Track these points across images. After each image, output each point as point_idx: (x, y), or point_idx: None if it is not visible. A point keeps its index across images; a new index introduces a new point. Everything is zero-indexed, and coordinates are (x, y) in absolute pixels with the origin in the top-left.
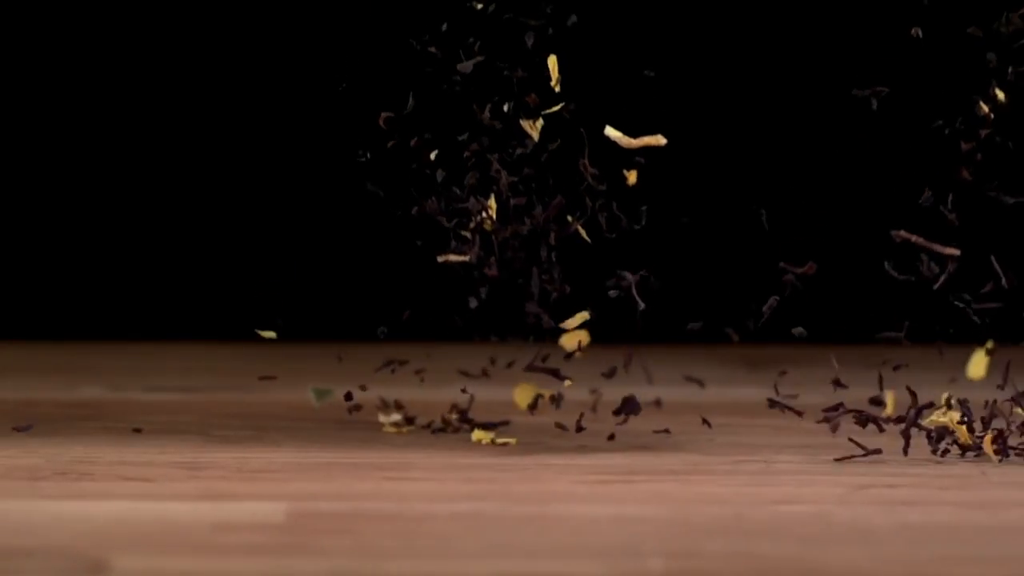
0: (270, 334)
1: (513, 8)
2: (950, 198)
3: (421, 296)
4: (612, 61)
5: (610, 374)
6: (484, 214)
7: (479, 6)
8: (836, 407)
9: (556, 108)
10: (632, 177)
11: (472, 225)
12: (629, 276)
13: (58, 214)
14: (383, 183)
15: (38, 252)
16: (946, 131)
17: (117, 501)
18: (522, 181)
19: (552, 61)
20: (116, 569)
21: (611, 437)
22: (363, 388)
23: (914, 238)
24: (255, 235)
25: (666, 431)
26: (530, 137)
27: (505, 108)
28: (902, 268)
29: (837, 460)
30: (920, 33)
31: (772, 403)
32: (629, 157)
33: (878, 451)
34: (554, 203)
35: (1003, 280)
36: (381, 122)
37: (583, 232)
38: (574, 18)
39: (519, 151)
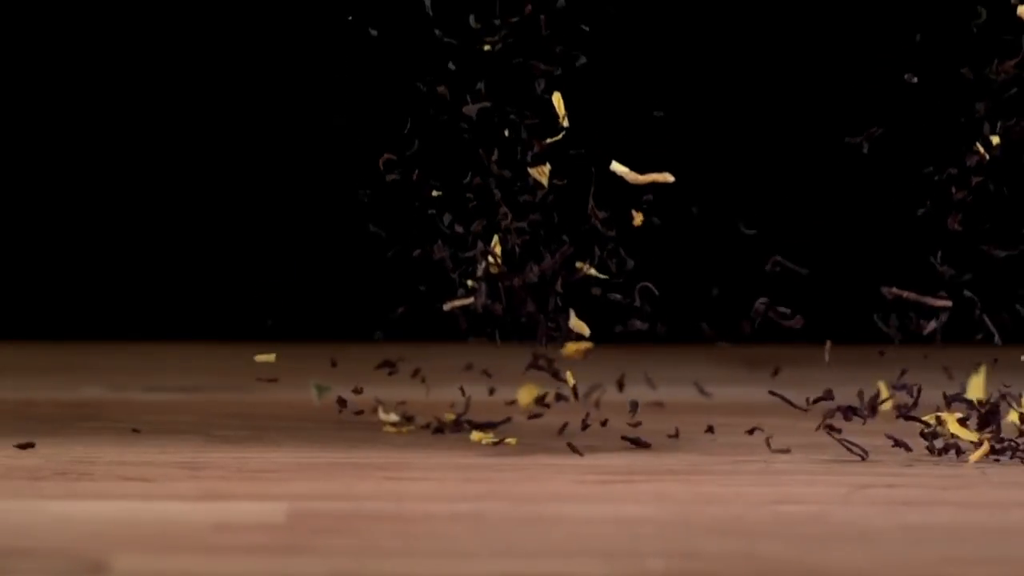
0: (269, 357)
1: (522, 50)
2: (939, 253)
3: (422, 296)
4: (621, 101)
5: (620, 385)
6: (490, 259)
7: (487, 48)
8: (828, 401)
9: (559, 137)
10: (639, 218)
11: (479, 274)
12: (639, 323)
13: (58, 214)
14: (386, 213)
15: (38, 252)
16: (936, 178)
17: (117, 501)
18: (529, 224)
19: (557, 98)
20: (116, 569)
21: (604, 423)
22: (357, 392)
23: (905, 294)
24: (255, 235)
25: (675, 434)
26: (539, 184)
27: (507, 133)
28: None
29: (837, 460)
30: (914, 79)
31: (773, 393)
32: (636, 198)
33: (865, 453)
34: (561, 251)
35: (995, 337)
36: (381, 165)
37: (595, 271)
38: (583, 59)
39: (526, 198)
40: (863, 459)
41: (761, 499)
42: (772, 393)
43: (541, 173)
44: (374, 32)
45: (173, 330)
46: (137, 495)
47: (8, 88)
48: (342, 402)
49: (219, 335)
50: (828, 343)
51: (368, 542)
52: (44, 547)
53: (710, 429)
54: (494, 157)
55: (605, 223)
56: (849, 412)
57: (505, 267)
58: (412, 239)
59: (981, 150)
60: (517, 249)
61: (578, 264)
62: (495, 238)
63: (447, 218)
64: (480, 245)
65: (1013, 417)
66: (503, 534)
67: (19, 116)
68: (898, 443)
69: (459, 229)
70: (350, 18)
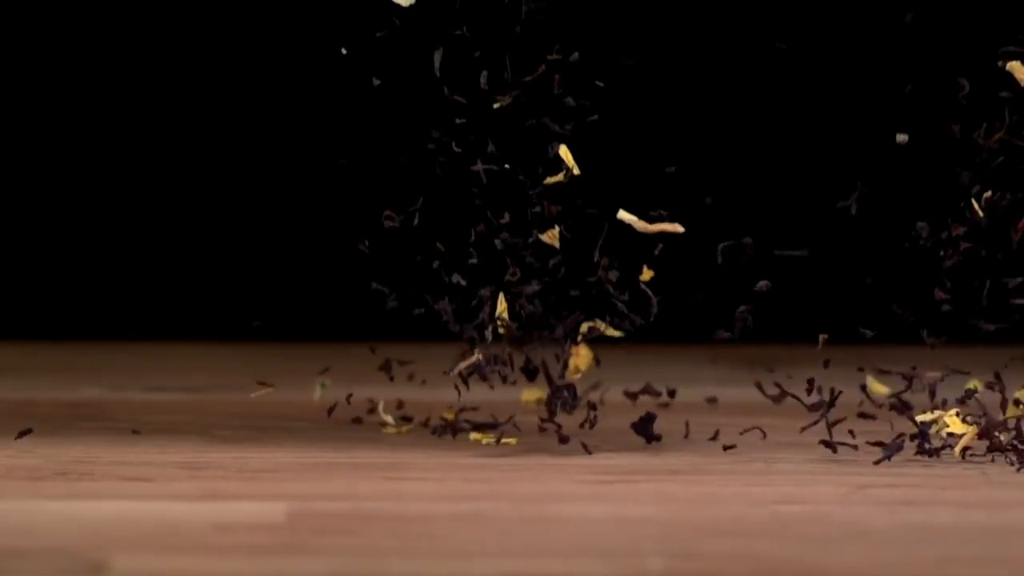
0: (266, 389)
1: (534, 107)
2: (925, 333)
3: (421, 296)
4: (631, 155)
5: (633, 396)
6: (499, 321)
7: (496, 105)
8: (819, 403)
9: (559, 177)
10: (648, 275)
11: (488, 339)
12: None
13: (58, 214)
14: (388, 263)
15: (38, 252)
16: (921, 243)
17: (117, 501)
18: (539, 285)
19: (564, 151)
20: (116, 569)
21: (592, 405)
22: (349, 401)
23: (891, 374)
24: (255, 235)
25: (686, 434)
26: (551, 247)
27: (514, 173)
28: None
29: (837, 460)
30: (905, 139)
31: (779, 395)
32: (648, 251)
33: (854, 447)
34: (572, 318)
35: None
36: (383, 220)
37: (612, 331)
38: (595, 116)
39: (535, 262)
40: (835, 451)
41: (761, 499)
42: (778, 386)
43: (552, 237)
44: (376, 81)
45: (173, 330)
46: (137, 495)
47: (8, 88)
48: (330, 411)
49: (219, 335)
50: (821, 338)
51: (368, 542)
52: (44, 547)
53: (715, 436)
54: (504, 219)
55: (617, 286)
56: (820, 406)
57: (513, 325)
58: (416, 290)
59: (976, 207)
60: (524, 313)
61: (596, 324)
62: (501, 302)
63: (456, 278)
64: (487, 308)
65: (1012, 411)
66: (503, 534)
67: (19, 116)
68: (888, 449)
69: (460, 281)
70: (344, 51)
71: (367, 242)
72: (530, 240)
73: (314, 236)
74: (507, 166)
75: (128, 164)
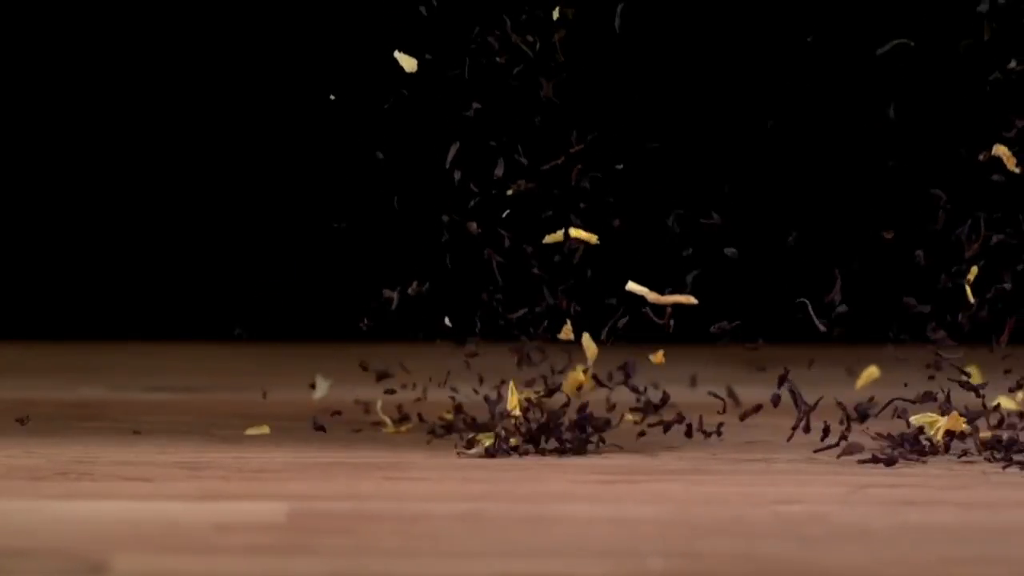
0: (262, 430)
1: (550, 191)
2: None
3: (423, 296)
4: (644, 229)
5: (644, 411)
6: (510, 414)
7: (509, 193)
8: (776, 397)
9: (555, 237)
10: (659, 357)
11: (501, 434)
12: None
13: (58, 214)
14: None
15: (38, 252)
16: (898, 340)
17: (117, 501)
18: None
19: (581, 235)
20: (116, 569)
21: (601, 419)
22: (337, 414)
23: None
24: (256, 235)
25: (688, 432)
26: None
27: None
28: None
29: (837, 460)
30: (891, 236)
31: (783, 398)
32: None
33: (855, 447)
34: (583, 415)
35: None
36: (385, 296)
37: (631, 416)
38: (611, 201)
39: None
40: (826, 434)
41: (761, 499)
42: (783, 379)
43: (567, 334)
44: (380, 155)
45: (173, 330)
46: (137, 495)
47: (8, 88)
48: (321, 428)
49: (219, 335)
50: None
51: (368, 542)
52: (44, 547)
53: (718, 431)
54: (517, 314)
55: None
56: (777, 399)
57: (523, 422)
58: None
59: (969, 293)
60: (541, 409)
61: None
62: (512, 394)
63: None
64: (497, 408)
65: (1008, 403)
66: (503, 534)
67: (19, 116)
68: (884, 448)
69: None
70: (332, 97)
71: (367, 320)
72: (544, 331)
73: (315, 234)
74: (505, 214)
75: (128, 165)
